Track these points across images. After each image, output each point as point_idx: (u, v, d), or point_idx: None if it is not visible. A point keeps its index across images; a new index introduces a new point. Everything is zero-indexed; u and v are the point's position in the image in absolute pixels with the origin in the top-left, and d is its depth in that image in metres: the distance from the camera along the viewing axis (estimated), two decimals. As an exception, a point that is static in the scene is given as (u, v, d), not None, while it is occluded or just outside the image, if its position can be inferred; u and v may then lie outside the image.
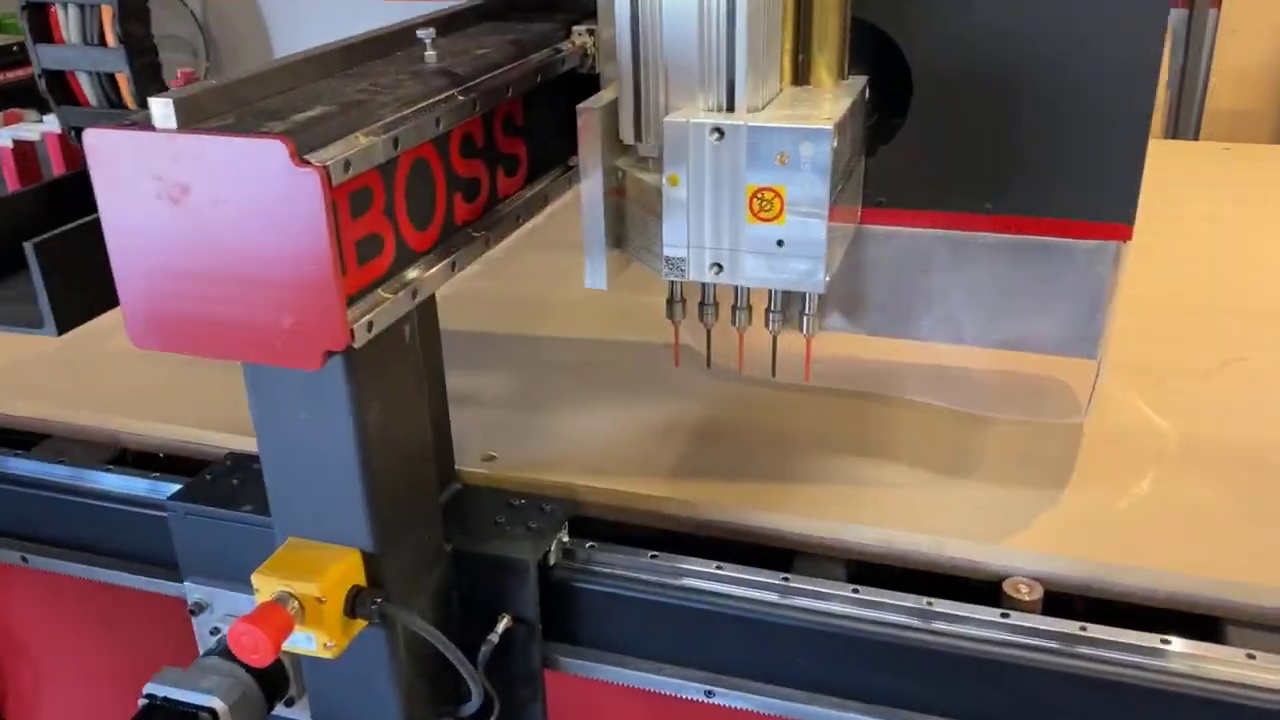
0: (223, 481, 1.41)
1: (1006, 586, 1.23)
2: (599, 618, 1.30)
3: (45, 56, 1.11)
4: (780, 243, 1.03)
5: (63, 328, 1.03)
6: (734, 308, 1.27)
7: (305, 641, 1.11)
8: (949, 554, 1.28)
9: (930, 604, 1.21)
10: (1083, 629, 1.16)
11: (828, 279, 1.05)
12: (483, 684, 1.22)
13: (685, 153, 1.02)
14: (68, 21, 1.09)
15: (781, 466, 1.43)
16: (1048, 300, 1.27)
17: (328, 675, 1.23)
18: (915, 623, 1.20)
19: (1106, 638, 1.16)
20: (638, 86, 1.09)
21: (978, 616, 1.19)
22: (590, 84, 1.32)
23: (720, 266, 1.06)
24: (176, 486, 1.41)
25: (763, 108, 1.05)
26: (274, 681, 1.34)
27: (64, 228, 1.02)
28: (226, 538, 1.36)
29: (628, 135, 1.12)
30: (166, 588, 1.47)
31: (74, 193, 1.09)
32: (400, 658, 1.19)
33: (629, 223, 1.16)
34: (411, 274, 1.04)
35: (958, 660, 1.17)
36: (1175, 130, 4.98)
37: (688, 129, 1.01)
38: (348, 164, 0.90)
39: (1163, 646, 1.15)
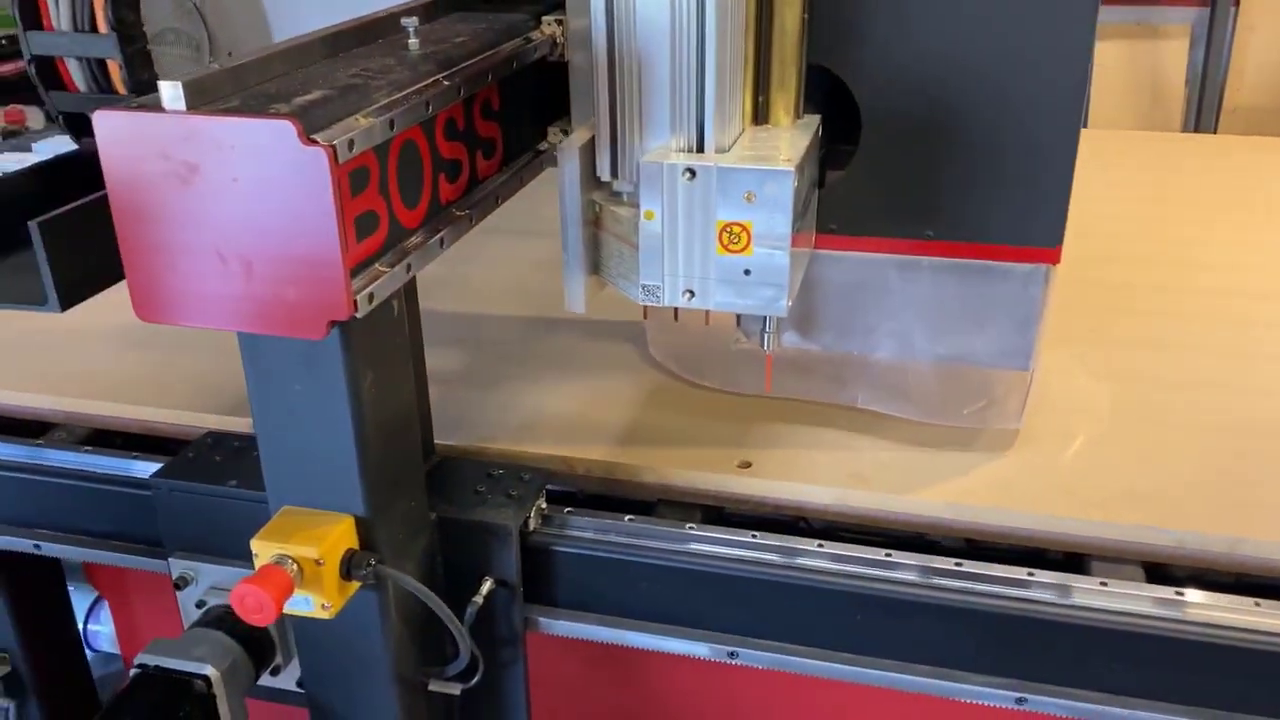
0: (205, 459, 1.45)
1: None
2: (576, 580, 1.37)
3: (35, 43, 1.14)
4: (747, 271, 1.12)
5: (66, 304, 1.07)
6: (743, 330, 1.40)
7: (304, 603, 1.16)
8: (901, 509, 1.37)
9: (889, 555, 1.30)
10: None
11: (789, 304, 1.14)
12: (469, 643, 1.28)
13: (660, 190, 1.10)
14: (58, 9, 1.12)
15: (743, 434, 1.51)
16: (985, 318, 1.38)
17: (322, 638, 1.28)
18: (879, 573, 1.29)
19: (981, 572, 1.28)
20: (614, 128, 1.17)
21: (934, 565, 1.29)
22: (558, 71, 1.38)
23: (692, 293, 1.15)
24: (156, 465, 1.45)
25: (729, 148, 1.14)
26: (261, 649, 1.39)
27: (67, 207, 1.05)
28: (211, 513, 1.40)
29: (605, 173, 1.20)
30: (151, 565, 1.50)
31: (72, 174, 1.13)
32: (391, 618, 1.25)
33: (605, 251, 1.24)
34: (405, 249, 1.09)
35: (918, 605, 1.27)
36: (1196, 127, 5.08)
37: (662, 169, 1.09)
38: (351, 143, 0.95)
39: (1028, 578, 1.26)
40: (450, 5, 1.44)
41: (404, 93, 1.06)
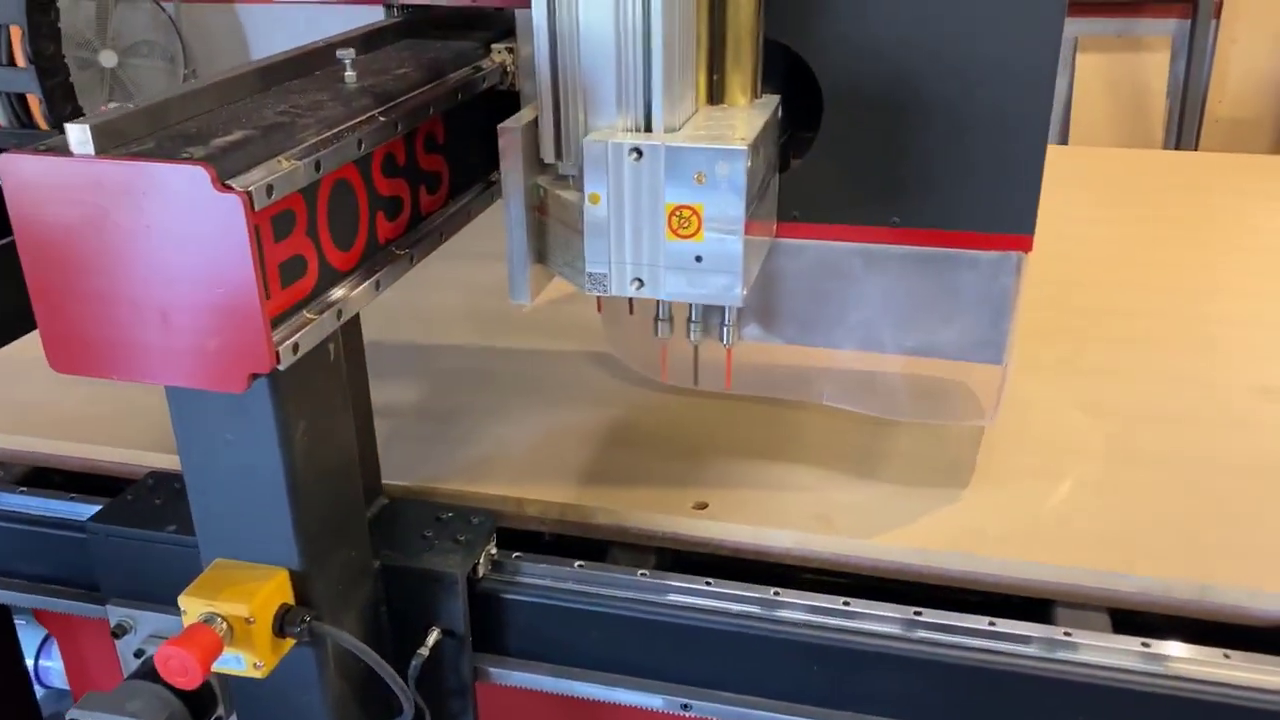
0: (145, 501, 1.40)
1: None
2: (527, 628, 1.32)
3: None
4: (699, 258, 1.06)
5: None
6: (656, 319, 1.30)
7: (235, 662, 1.11)
8: (864, 554, 1.33)
9: (848, 604, 1.25)
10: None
11: (744, 293, 1.08)
12: (414, 698, 1.23)
13: (605, 172, 1.04)
14: (-24, 42, 1.08)
15: (697, 473, 1.47)
16: (954, 309, 1.31)
17: (257, 695, 1.23)
18: (837, 622, 1.25)
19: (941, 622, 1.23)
20: (557, 107, 1.10)
21: (892, 615, 1.24)
22: (510, 100, 1.34)
23: (641, 281, 1.08)
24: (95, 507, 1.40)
25: (680, 127, 1.08)
26: (202, 703, 1.34)
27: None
28: (150, 559, 1.35)
29: (548, 154, 1.14)
30: (89, 610, 1.45)
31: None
32: (330, 674, 1.20)
33: (550, 239, 1.17)
34: (336, 294, 1.05)
35: (876, 656, 1.22)
36: (1178, 140, 5.06)
37: (607, 149, 1.03)
38: (270, 188, 0.90)
39: (989, 628, 1.22)
40: (399, 33, 1.39)
41: (334, 130, 1.02)
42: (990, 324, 1.31)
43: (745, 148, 1.02)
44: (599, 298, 1.26)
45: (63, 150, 0.89)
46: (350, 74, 1.14)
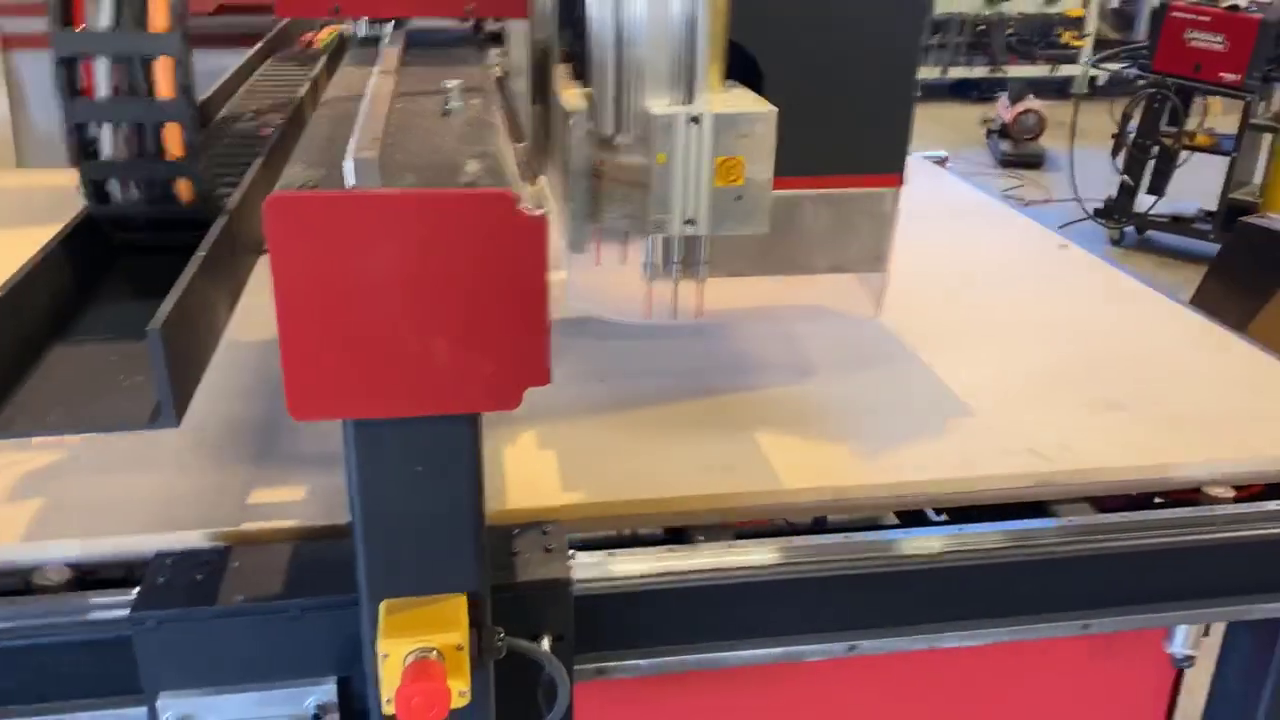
0: (183, 581, 1.28)
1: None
2: (622, 620, 1.39)
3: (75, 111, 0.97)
4: (739, 198, 1.34)
5: (180, 415, 0.93)
6: (643, 264, 1.55)
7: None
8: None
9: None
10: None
11: None
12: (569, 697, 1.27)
13: (671, 137, 1.30)
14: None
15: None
16: (853, 233, 1.65)
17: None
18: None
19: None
20: (619, 90, 1.34)
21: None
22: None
23: (692, 221, 1.35)
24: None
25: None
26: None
27: (170, 304, 0.91)
28: (212, 637, 1.25)
29: (608, 128, 1.36)
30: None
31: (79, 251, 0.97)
32: (492, 692, 1.21)
33: (606, 198, 1.39)
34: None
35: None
36: None
37: (672, 119, 1.30)
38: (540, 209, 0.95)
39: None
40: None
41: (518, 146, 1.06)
42: (877, 243, 1.66)
43: (773, 109, 1.32)
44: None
45: (335, 189, 0.88)
46: (456, 103, 1.17)
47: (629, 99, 1.35)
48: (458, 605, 1.12)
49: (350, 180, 0.87)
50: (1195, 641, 1.63)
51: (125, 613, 1.23)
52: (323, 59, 2.04)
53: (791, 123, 1.42)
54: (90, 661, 1.28)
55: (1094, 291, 2.24)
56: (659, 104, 1.33)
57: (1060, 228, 2.61)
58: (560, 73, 1.56)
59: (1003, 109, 8.95)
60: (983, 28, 10.71)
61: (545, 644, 1.32)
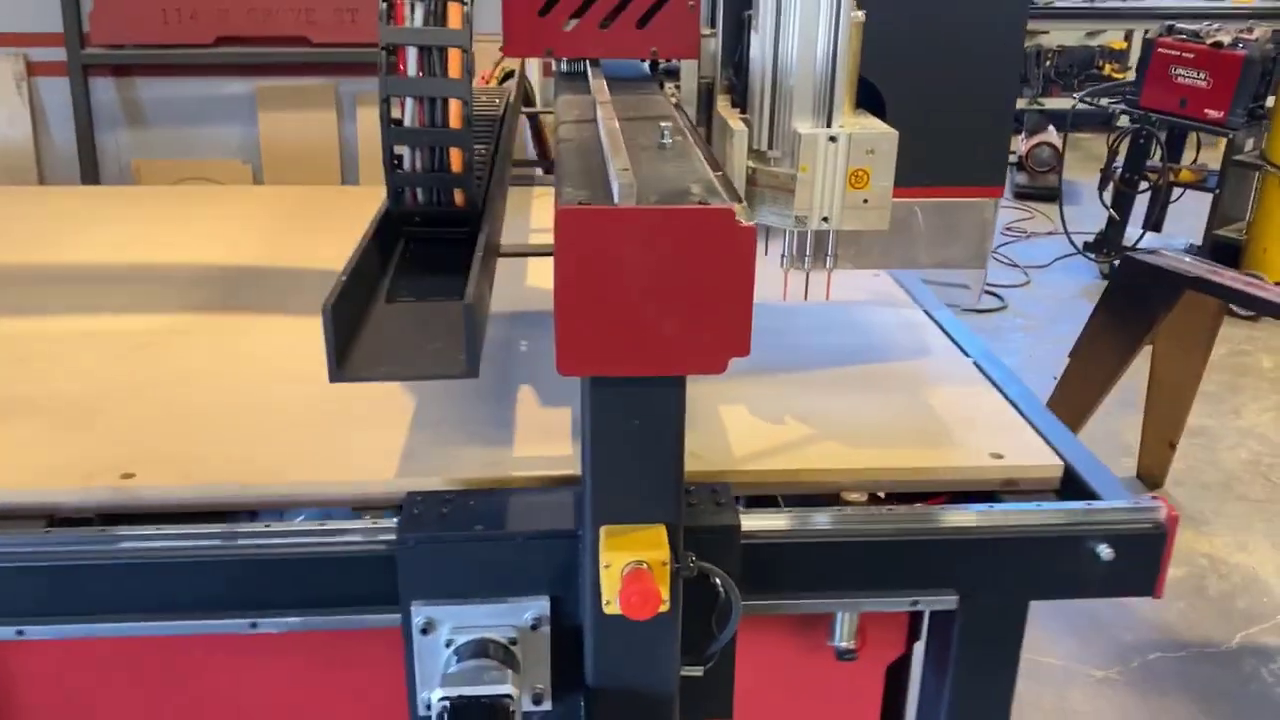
0: (432, 513, 1.61)
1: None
2: (787, 569, 1.66)
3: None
4: (866, 200, 1.65)
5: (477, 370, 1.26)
6: (781, 255, 1.85)
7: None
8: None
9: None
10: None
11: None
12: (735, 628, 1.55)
13: (814, 152, 1.62)
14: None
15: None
16: (960, 235, 1.99)
17: (619, 635, 1.49)
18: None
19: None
20: (773, 115, 1.68)
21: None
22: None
23: (827, 219, 1.67)
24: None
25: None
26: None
27: (473, 285, 1.25)
28: (454, 558, 1.57)
29: (762, 144, 1.70)
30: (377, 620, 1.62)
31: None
32: (678, 612, 1.50)
33: (759, 198, 1.72)
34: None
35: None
36: None
37: (816, 138, 1.62)
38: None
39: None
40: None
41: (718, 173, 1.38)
42: (978, 243, 2.00)
43: (895, 132, 1.64)
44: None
45: (606, 204, 1.19)
46: (668, 140, 1.48)
47: (780, 121, 1.68)
48: (660, 532, 1.42)
49: (616, 198, 1.19)
50: (850, 634, 1.73)
51: (392, 536, 1.57)
52: (509, 92, 2.40)
53: (911, 143, 1.77)
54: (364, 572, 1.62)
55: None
56: (804, 125, 1.65)
57: (1054, 261, 2.84)
58: (723, 102, 1.90)
59: (1021, 141, 9.03)
60: (1021, 59, 10.74)
61: (718, 580, 1.61)
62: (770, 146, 1.71)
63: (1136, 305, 3.98)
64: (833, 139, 1.62)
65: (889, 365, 2.13)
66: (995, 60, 1.93)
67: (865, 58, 1.73)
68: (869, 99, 1.82)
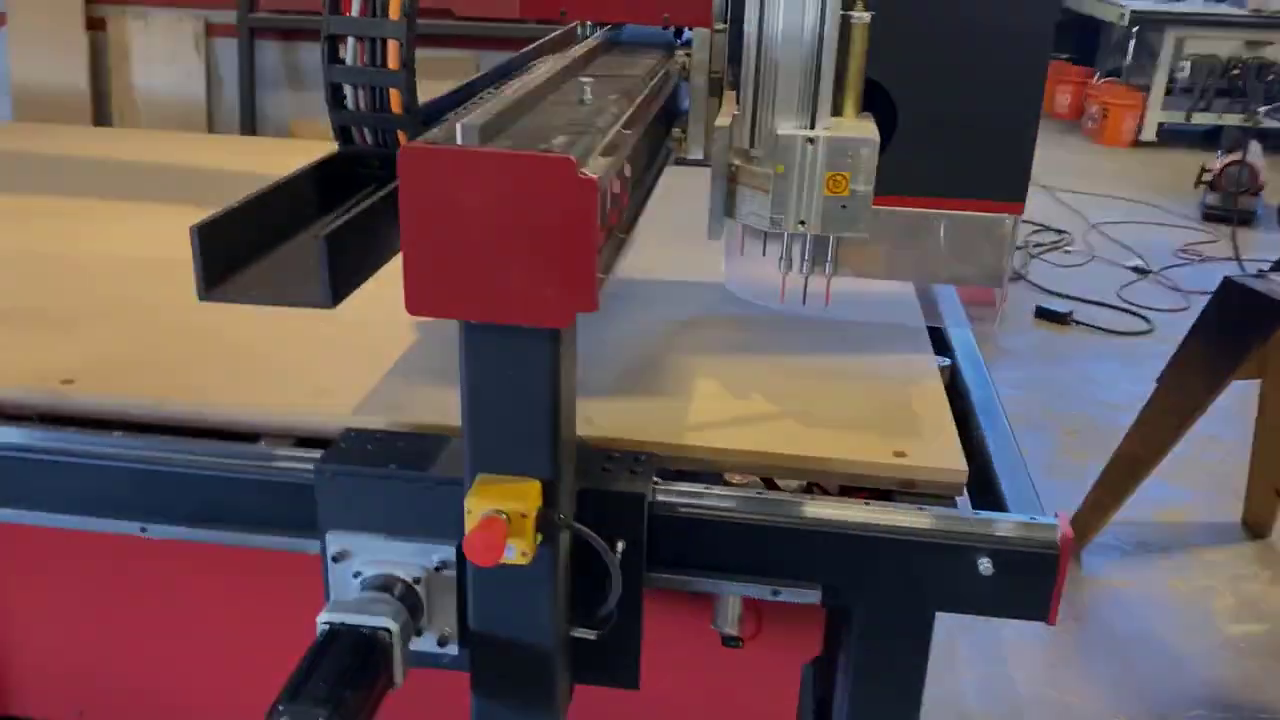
0: (358, 449, 1.67)
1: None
2: (676, 544, 1.64)
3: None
4: (844, 206, 1.58)
5: (336, 301, 1.30)
6: (779, 259, 1.79)
7: (509, 551, 1.40)
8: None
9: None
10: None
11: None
12: (619, 591, 1.53)
13: (791, 153, 1.57)
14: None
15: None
16: (975, 251, 1.89)
17: (497, 587, 1.51)
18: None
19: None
20: (754, 114, 1.62)
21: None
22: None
23: (804, 222, 1.61)
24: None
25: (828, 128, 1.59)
26: (416, 611, 1.62)
27: (340, 221, 1.29)
28: (371, 493, 1.62)
29: (744, 143, 1.65)
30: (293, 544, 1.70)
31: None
32: (558, 570, 1.50)
33: (739, 198, 1.67)
34: (609, 253, 1.38)
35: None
36: None
37: (794, 139, 1.56)
38: (603, 177, 1.24)
39: None
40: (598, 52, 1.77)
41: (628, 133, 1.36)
42: (996, 262, 1.90)
43: (877, 138, 1.55)
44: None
45: (449, 144, 1.21)
46: (588, 97, 1.47)
47: (763, 119, 1.64)
48: (530, 486, 1.42)
49: (458, 140, 1.20)
50: (733, 621, 1.70)
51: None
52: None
53: (931, 152, 1.77)
54: (284, 499, 1.70)
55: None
56: (786, 126, 1.61)
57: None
58: (729, 97, 1.86)
59: (1216, 159, 8.36)
60: (1236, 71, 9.78)
61: (620, 547, 1.60)
62: (753, 145, 1.66)
63: (1231, 333, 3.60)
64: (810, 141, 1.57)
65: (851, 359, 2.05)
66: (1019, 71, 1.81)
67: (880, 62, 1.67)
68: (881, 105, 1.75)
